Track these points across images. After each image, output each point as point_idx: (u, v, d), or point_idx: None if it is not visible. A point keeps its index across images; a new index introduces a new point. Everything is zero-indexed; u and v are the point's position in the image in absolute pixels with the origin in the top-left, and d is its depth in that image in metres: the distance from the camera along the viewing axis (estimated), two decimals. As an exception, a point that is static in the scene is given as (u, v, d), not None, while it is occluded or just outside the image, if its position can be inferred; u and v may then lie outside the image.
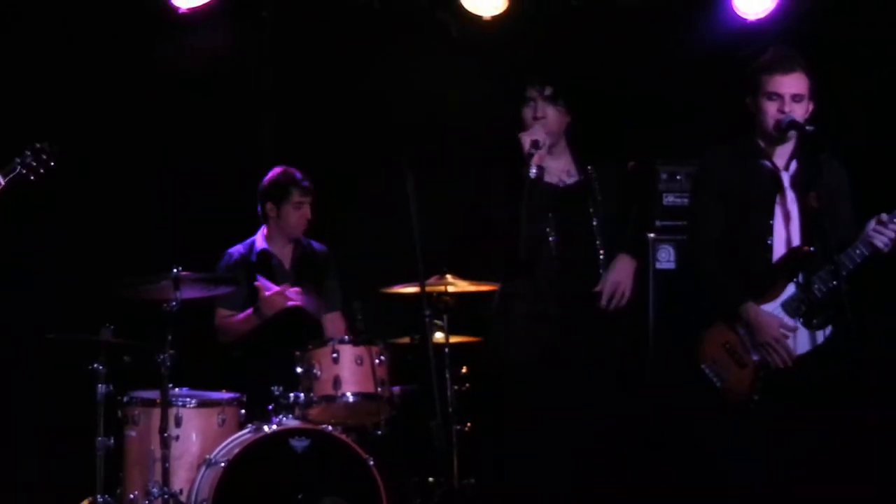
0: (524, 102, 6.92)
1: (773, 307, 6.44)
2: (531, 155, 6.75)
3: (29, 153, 6.92)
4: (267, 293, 7.50)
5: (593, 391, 6.88)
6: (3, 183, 6.79)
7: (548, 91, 6.90)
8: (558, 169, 7.00)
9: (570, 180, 7.05)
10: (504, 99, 7.11)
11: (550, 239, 6.87)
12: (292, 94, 8.61)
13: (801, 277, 6.43)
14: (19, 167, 6.88)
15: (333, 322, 7.88)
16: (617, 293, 6.97)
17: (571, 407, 6.79)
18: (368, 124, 8.40)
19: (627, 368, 7.02)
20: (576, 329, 6.85)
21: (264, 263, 7.80)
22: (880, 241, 6.36)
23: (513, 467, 6.90)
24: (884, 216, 6.39)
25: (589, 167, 7.02)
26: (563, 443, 6.79)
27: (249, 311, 7.55)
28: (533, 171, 6.70)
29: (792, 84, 6.39)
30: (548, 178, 6.91)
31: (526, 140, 6.79)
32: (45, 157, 6.93)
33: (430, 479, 7.33)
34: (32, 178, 6.90)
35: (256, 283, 7.52)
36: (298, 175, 7.77)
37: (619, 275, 6.99)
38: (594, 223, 6.93)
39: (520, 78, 7.02)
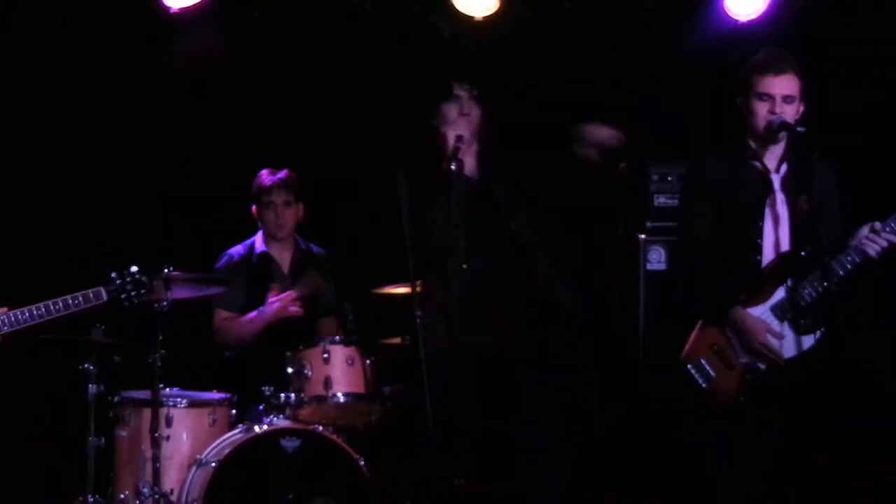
0: (449, 99, 6.97)
1: (762, 310, 6.45)
2: (457, 149, 6.79)
3: (129, 280, 6.64)
4: (273, 301, 7.48)
5: (502, 390, 6.84)
6: (104, 298, 6.59)
7: (475, 91, 6.97)
8: (470, 166, 7.05)
9: (478, 177, 7.08)
10: (427, 93, 7.15)
11: (461, 231, 6.84)
12: (286, 95, 8.61)
13: (790, 281, 6.44)
14: (121, 292, 6.61)
15: (328, 326, 7.88)
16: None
17: (478, 404, 6.76)
18: (361, 125, 8.40)
19: (537, 366, 6.97)
20: (480, 325, 6.79)
21: (264, 266, 7.81)
22: (872, 250, 6.38)
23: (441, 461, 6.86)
24: (877, 224, 6.39)
25: (490, 167, 7.07)
26: (471, 441, 6.76)
27: (254, 313, 7.54)
28: (453, 165, 6.71)
29: (783, 85, 6.40)
30: (463, 173, 6.96)
31: (451, 135, 6.85)
32: (143, 291, 6.67)
33: (421, 479, 7.32)
34: (127, 304, 6.65)
35: (272, 288, 7.50)
36: (269, 173, 7.80)
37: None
38: (503, 217, 6.92)
39: (447, 75, 7.08)
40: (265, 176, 7.81)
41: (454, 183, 6.70)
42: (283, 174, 7.81)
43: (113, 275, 6.59)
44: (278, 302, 7.49)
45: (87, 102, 8.18)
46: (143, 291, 6.64)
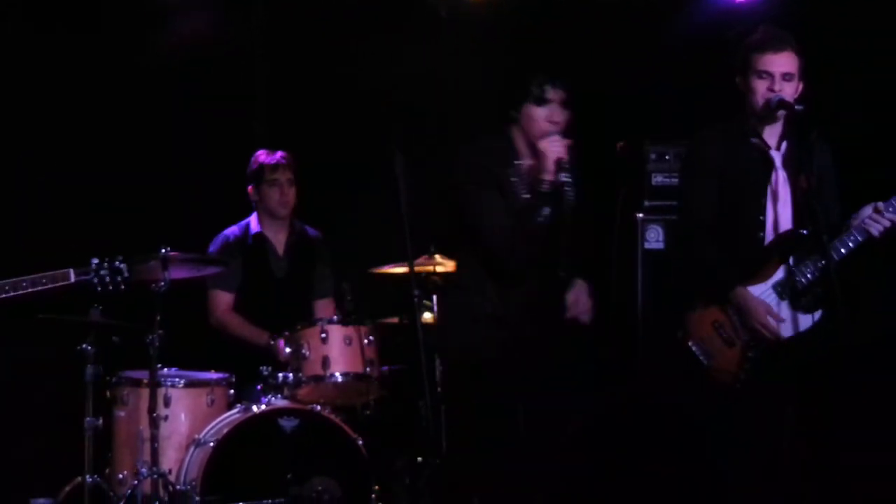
0: (539, 101, 6.58)
1: (764, 288, 6.45)
2: (558, 169, 6.46)
3: (106, 266, 6.55)
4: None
5: (555, 390, 6.79)
6: (72, 279, 6.50)
7: (567, 97, 6.61)
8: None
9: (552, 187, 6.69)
10: (506, 90, 6.77)
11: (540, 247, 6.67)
12: (282, 77, 8.60)
13: (792, 260, 6.44)
14: (94, 276, 6.52)
15: (325, 308, 7.88)
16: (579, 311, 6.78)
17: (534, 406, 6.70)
18: (357, 106, 8.39)
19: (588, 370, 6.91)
20: (534, 333, 6.67)
21: (259, 247, 7.81)
22: (875, 230, 6.39)
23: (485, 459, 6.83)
24: (880, 204, 6.40)
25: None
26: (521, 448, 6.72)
27: (266, 337, 7.52)
28: (546, 187, 6.46)
29: (782, 63, 6.39)
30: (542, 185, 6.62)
31: (552, 157, 6.45)
32: (119, 279, 6.55)
33: (419, 458, 7.33)
34: (99, 289, 6.54)
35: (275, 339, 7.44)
36: (269, 153, 7.79)
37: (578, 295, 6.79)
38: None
39: (536, 75, 6.65)
40: (266, 155, 7.80)
41: (549, 198, 6.50)
42: (283, 154, 7.80)
43: (94, 260, 6.53)
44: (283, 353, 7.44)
45: (83, 85, 8.17)
46: (118, 279, 6.54)
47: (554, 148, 6.44)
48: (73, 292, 6.55)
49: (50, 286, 6.47)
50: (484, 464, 6.62)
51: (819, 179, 6.44)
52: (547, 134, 6.50)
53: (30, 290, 6.45)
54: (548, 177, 6.45)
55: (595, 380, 6.86)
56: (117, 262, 6.51)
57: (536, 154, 6.52)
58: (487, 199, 6.54)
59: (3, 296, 6.44)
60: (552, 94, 6.55)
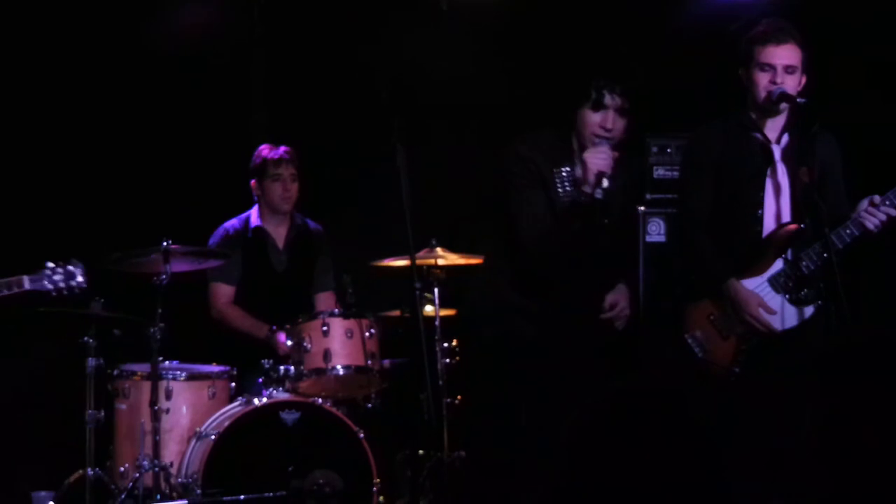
0: (595, 105, 6.50)
1: (759, 282, 6.46)
2: (598, 183, 6.40)
3: (61, 272, 6.45)
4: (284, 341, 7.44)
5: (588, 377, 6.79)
6: (26, 287, 6.38)
7: (626, 104, 6.51)
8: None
9: (590, 199, 6.65)
10: (567, 91, 6.67)
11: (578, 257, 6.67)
12: (282, 68, 8.60)
13: (789, 253, 6.44)
14: (47, 283, 6.41)
15: (325, 301, 7.89)
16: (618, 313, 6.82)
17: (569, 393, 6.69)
18: (358, 97, 8.38)
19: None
20: (562, 331, 6.68)
21: (259, 241, 7.81)
22: (871, 223, 6.37)
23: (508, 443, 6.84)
24: (876, 198, 6.39)
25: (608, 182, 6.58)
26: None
27: (266, 329, 7.52)
28: (583, 199, 6.39)
29: (784, 55, 6.39)
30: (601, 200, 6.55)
31: (594, 169, 6.38)
32: (73, 284, 6.46)
33: (420, 451, 7.33)
34: (54, 295, 6.44)
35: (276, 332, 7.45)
36: (273, 149, 7.78)
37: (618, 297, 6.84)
38: (604, 235, 6.69)
39: (594, 78, 6.56)
40: (269, 150, 7.79)
41: (597, 208, 6.45)
42: (287, 149, 7.80)
43: (48, 264, 6.45)
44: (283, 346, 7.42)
45: (83, 77, 8.16)
46: (72, 284, 6.46)
47: (596, 160, 6.39)
48: (29, 299, 6.49)
49: (7, 293, 6.39)
50: (503, 455, 6.61)
51: (822, 172, 6.43)
52: (596, 141, 6.44)
53: None
54: (587, 189, 6.41)
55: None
56: (70, 266, 6.44)
57: (581, 164, 6.48)
58: (529, 195, 6.52)
59: None
60: (609, 100, 6.48)
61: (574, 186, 6.49)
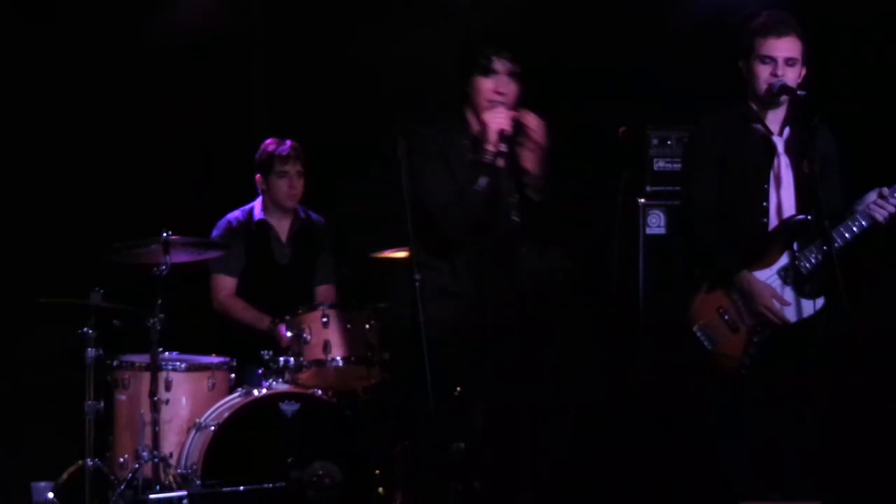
0: (485, 71, 6.44)
1: (769, 273, 6.45)
2: (499, 140, 6.34)
3: None
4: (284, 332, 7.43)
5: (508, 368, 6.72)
6: None
7: (516, 67, 6.48)
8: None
9: (493, 157, 6.51)
10: (460, 58, 6.58)
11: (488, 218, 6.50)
12: (282, 60, 8.59)
13: (796, 245, 6.44)
14: None
15: (327, 293, 7.88)
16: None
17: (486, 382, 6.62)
18: (359, 90, 8.38)
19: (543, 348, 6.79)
20: (488, 308, 6.49)
21: (262, 233, 7.80)
22: (880, 215, 6.38)
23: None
24: (885, 190, 6.40)
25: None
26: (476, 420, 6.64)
27: (267, 321, 7.51)
28: (487, 158, 6.32)
29: (785, 48, 6.38)
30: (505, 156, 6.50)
31: (494, 128, 6.35)
32: None
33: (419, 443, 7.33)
34: None
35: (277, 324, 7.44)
36: (279, 144, 7.77)
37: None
38: (513, 199, 6.51)
39: (484, 45, 6.52)
40: (275, 145, 7.76)
41: (483, 170, 6.34)
42: (293, 144, 7.78)
43: None
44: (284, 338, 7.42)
45: (86, 71, 8.16)
46: None
47: (496, 119, 6.37)
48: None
49: None
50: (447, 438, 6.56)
51: (822, 165, 6.42)
52: (492, 105, 6.42)
53: None
54: (490, 147, 6.36)
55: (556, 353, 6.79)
56: None
57: (481, 126, 6.45)
58: (431, 170, 6.47)
59: None
60: (499, 64, 6.44)
61: (475, 151, 6.43)
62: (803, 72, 6.44)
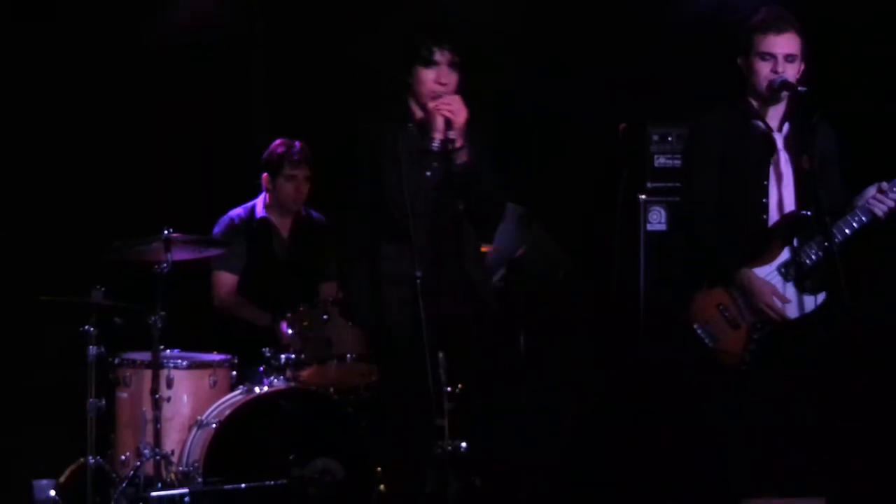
0: (426, 62, 6.42)
1: (768, 270, 6.45)
2: (447, 127, 6.30)
3: None
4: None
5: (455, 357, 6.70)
6: None
7: (455, 58, 6.46)
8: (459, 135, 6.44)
9: (442, 145, 6.46)
10: (403, 50, 6.56)
11: (426, 203, 6.44)
12: (284, 60, 8.60)
13: (796, 241, 6.44)
14: None
15: (328, 291, 7.88)
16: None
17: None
18: (357, 86, 8.38)
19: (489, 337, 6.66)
20: (437, 294, 6.39)
21: (264, 230, 7.80)
22: (880, 210, 6.38)
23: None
24: (884, 185, 6.39)
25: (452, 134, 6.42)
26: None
27: (268, 318, 7.51)
28: (435, 145, 6.30)
29: (784, 44, 6.38)
30: (453, 144, 6.43)
31: (440, 115, 6.32)
32: None
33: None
34: None
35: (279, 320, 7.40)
36: (289, 147, 7.76)
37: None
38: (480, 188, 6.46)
39: (425, 37, 6.49)
40: (285, 147, 7.75)
41: (429, 158, 6.37)
42: (303, 147, 7.77)
43: None
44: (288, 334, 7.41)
45: (85, 68, 8.16)
46: None
47: (442, 107, 6.36)
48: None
49: None
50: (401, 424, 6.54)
51: (821, 161, 6.42)
52: (435, 95, 6.42)
53: None
54: (437, 135, 6.38)
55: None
56: None
57: (427, 115, 6.44)
58: (378, 160, 6.46)
59: None
60: (439, 55, 6.44)
61: (421, 140, 6.43)
62: (802, 68, 6.43)
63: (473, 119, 6.40)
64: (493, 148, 6.53)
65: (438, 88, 6.40)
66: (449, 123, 6.30)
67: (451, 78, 6.43)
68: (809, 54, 6.43)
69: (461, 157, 6.31)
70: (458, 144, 6.29)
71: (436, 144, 6.32)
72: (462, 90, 6.43)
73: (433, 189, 6.40)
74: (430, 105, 6.37)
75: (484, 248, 7.39)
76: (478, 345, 6.46)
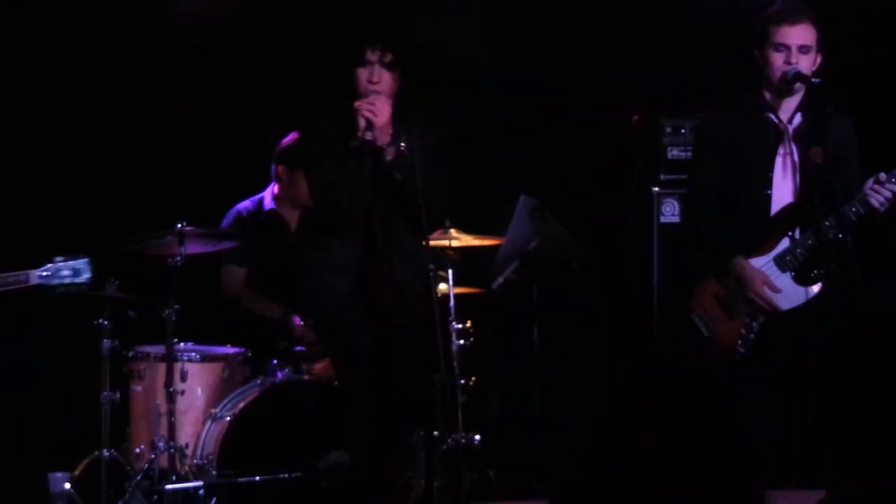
0: (361, 63, 6.49)
1: (765, 260, 6.45)
2: (366, 130, 6.35)
3: (68, 270, 6.18)
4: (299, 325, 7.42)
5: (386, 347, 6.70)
6: (32, 282, 6.16)
7: (387, 57, 6.49)
8: (382, 134, 6.44)
9: (391, 146, 6.48)
10: (340, 57, 6.68)
11: (365, 202, 6.42)
12: (295, 51, 8.59)
13: (797, 232, 6.43)
14: (54, 279, 6.16)
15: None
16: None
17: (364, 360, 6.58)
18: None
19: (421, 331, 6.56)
20: (371, 289, 6.42)
21: (273, 223, 7.79)
22: (876, 201, 6.35)
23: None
24: (882, 175, 6.37)
25: (405, 135, 6.49)
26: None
27: (280, 311, 7.53)
28: (354, 144, 6.35)
29: (799, 35, 6.37)
30: (372, 143, 6.43)
31: (363, 115, 6.37)
32: (79, 281, 6.18)
33: (435, 433, 7.33)
34: (59, 291, 6.19)
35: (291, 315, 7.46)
36: None
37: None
38: (405, 186, 6.41)
39: (358, 39, 6.57)
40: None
41: (360, 155, 6.37)
42: None
43: (57, 259, 6.25)
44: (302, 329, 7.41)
45: (98, 62, 8.16)
46: (78, 281, 6.24)
47: (363, 107, 6.38)
48: (34, 294, 6.34)
49: (12, 287, 6.27)
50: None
51: (835, 153, 6.41)
52: (366, 95, 6.44)
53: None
54: (360, 135, 6.38)
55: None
56: (78, 263, 6.24)
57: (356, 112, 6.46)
58: (320, 156, 6.50)
59: None
60: (370, 54, 6.48)
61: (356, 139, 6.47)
62: (818, 59, 6.42)
63: (417, 121, 6.45)
64: (442, 150, 6.53)
65: (369, 87, 6.43)
66: (370, 123, 6.33)
67: (384, 77, 6.45)
68: (825, 45, 6.42)
69: (387, 156, 6.33)
70: (377, 144, 6.32)
71: (355, 143, 6.36)
72: (401, 90, 6.47)
73: (368, 187, 6.39)
74: (356, 104, 6.40)
75: (487, 242, 7.40)
76: (402, 343, 6.42)
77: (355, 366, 6.43)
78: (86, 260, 6.24)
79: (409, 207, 6.36)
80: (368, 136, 6.33)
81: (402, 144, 6.40)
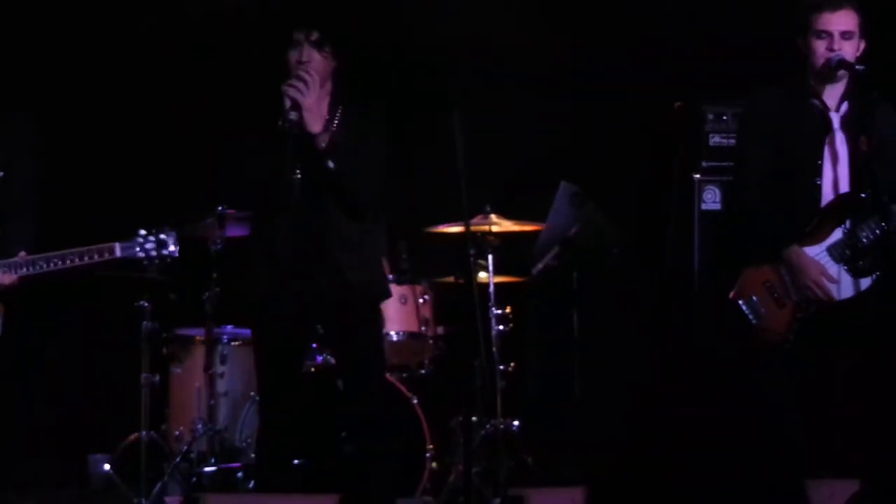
0: (290, 45, 6.36)
1: (818, 250, 6.40)
2: (292, 109, 6.22)
3: (153, 241, 6.16)
4: None
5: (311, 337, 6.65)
6: (117, 254, 6.12)
7: (314, 36, 6.36)
8: (318, 115, 6.31)
9: (326, 131, 6.34)
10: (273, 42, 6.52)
11: (295, 187, 6.27)
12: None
13: (848, 222, 6.38)
14: (139, 251, 6.14)
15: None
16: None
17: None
18: (412, 64, 8.36)
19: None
20: (305, 276, 6.27)
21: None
22: None
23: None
24: None
25: (340, 114, 6.38)
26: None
27: None
28: (280, 125, 6.20)
29: (840, 21, 6.30)
30: (303, 125, 6.29)
31: (288, 98, 6.25)
32: (165, 253, 6.17)
33: (474, 418, 7.33)
34: (145, 264, 6.19)
35: None
36: None
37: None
38: (339, 170, 6.27)
39: (287, 22, 6.49)
40: None
41: (288, 138, 6.19)
42: None
43: (141, 232, 6.22)
44: None
45: (135, 49, 8.20)
46: (164, 253, 6.21)
47: (288, 88, 6.25)
48: (120, 266, 6.31)
49: (97, 260, 6.30)
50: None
51: (881, 141, 6.35)
52: (293, 75, 6.32)
53: (79, 264, 6.27)
54: (291, 117, 6.25)
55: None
56: (163, 235, 6.20)
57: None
58: (251, 141, 6.44)
59: (54, 269, 6.25)
60: (297, 35, 6.36)
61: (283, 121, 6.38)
62: (862, 45, 6.36)
63: (361, 108, 6.34)
64: (384, 139, 6.40)
65: (298, 68, 6.31)
66: (295, 104, 6.22)
67: (312, 56, 6.32)
68: (868, 30, 6.36)
69: (321, 142, 6.20)
70: (305, 127, 6.17)
71: (281, 124, 6.23)
72: (338, 71, 6.34)
73: (292, 171, 6.25)
74: (282, 86, 6.31)
75: (527, 228, 7.38)
76: (347, 327, 6.27)
77: (283, 355, 6.27)
78: (173, 232, 6.20)
79: (343, 195, 6.23)
80: (293, 115, 6.20)
81: (335, 128, 6.26)
